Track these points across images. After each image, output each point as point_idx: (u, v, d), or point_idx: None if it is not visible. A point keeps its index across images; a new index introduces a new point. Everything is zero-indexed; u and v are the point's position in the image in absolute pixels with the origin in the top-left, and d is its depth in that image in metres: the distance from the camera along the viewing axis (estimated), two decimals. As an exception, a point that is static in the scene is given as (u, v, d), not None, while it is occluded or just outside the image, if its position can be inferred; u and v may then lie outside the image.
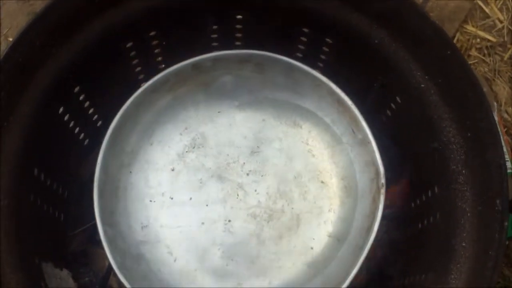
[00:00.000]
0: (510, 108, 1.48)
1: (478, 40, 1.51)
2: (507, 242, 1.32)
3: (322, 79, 0.97)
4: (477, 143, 0.90)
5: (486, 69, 1.49)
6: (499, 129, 1.29)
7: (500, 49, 1.51)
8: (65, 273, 1.07)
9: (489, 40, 1.51)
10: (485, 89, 1.41)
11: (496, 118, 1.34)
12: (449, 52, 0.91)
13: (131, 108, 0.97)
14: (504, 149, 1.32)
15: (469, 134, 0.91)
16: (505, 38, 1.52)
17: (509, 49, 1.51)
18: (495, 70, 1.50)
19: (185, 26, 1.04)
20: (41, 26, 0.91)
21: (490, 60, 1.50)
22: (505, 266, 1.37)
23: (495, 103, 1.40)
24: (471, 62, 1.50)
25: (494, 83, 1.49)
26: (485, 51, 1.51)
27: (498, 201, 0.85)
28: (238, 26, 1.07)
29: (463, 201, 0.90)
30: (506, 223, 0.84)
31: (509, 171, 1.31)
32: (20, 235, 0.91)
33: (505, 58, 1.50)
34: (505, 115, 1.47)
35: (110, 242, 0.93)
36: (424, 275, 0.95)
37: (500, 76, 1.49)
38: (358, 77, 1.05)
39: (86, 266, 1.14)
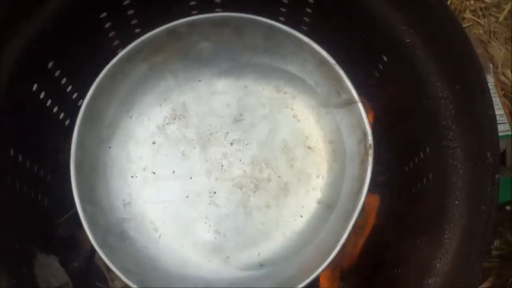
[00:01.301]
0: (508, 70, 1.44)
1: (472, 1, 1.47)
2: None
3: (304, 39, 0.93)
4: (466, 96, 0.86)
5: (481, 31, 1.46)
6: (494, 88, 1.26)
7: (495, 10, 1.47)
8: (51, 258, 1.04)
9: (483, 1, 1.47)
10: (479, 51, 1.37)
11: (492, 80, 1.31)
12: (432, 1, 0.87)
13: (106, 80, 0.94)
14: (502, 111, 1.29)
15: (457, 87, 0.87)
16: (499, -1, 1.48)
17: (504, 9, 1.47)
18: (490, 32, 1.46)
19: (162, -6, 1.01)
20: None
21: (484, 22, 1.47)
22: (509, 232, 1.34)
23: (490, 65, 1.36)
24: (465, 25, 1.46)
25: (489, 45, 1.45)
26: (480, 13, 1.47)
27: (489, 154, 0.82)
28: (217, -9, 1.04)
29: (454, 158, 0.87)
30: (497, 176, 0.81)
31: (507, 133, 1.28)
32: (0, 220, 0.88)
33: (500, 19, 1.47)
34: (502, 78, 1.43)
35: (90, 221, 0.90)
36: (419, 239, 0.92)
37: (496, 38, 1.46)
38: (344, 38, 1.02)
39: (74, 250, 1.11)
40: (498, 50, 1.44)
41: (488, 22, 1.46)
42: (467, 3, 1.47)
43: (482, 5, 1.47)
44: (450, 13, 0.87)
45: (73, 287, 1.06)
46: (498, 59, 1.43)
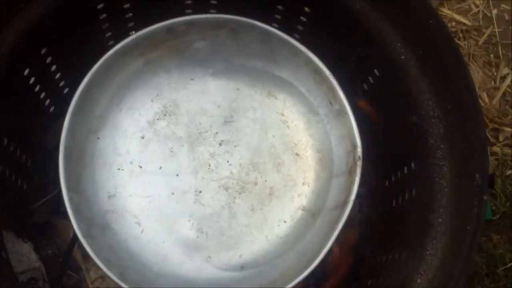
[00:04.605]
0: (484, 93, 1.47)
1: (454, 23, 1.50)
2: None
3: (299, 47, 0.94)
4: (457, 117, 0.88)
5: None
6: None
7: (475, 33, 1.50)
8: (27, 244, 1.04)
9: (464, 24, 1.50)
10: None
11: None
12: (431, 22, 0.89)
13: (100, 71, 0.93)
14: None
15: (449, 107, 0.89)
16: (480, 22, 1.51)
17: (484, 33, 1.50)
18: (469, 54, 1.49)
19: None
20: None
21: (464, 44, 1.49)
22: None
23: (468, 87, 1.38)
24: (446, 45, 1.49)
25: (468, 68, 1.48)
26: (460, 35, 1.50)
27: (477, 175, 0.84)
28: (214, -8, 1.04)
29: (440, 176, 0.88)
30: (485, 198, 0.82)
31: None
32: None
33: (480, 43, 1.50)
34: (479, 100, 1.46)
35: (75, 210, 0.90)
36: (398, 253, 0.93)
37: (475, 61, 1.49)
38: (336, 49, 1.03)
39: (49, 238, 1.11)
40: (476, 73, 1.47)
41: (468, 45, 1.49)
42: (449, 24, 1.49)
43: (463, 27, 1.50)
44: (447, 33, 0.89)
45: (47, 274, 1.06)
46: (476, 82, 1.46)
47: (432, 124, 0.90)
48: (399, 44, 0.93)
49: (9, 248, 1.01)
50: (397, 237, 0.96)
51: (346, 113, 0.93)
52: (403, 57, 0.93)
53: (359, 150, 0.91)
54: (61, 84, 1.08)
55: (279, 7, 1.04)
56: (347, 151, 0.94)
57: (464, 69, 0.87)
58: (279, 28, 1.01)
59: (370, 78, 1.02)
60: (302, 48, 0.95)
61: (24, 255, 1.05)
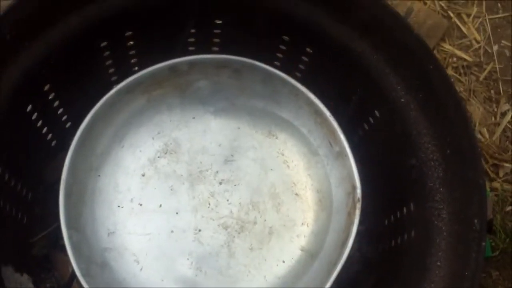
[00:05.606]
0: (484, 129, 1.47)
1: (455, 59, 1.51)
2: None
3: (300, 88, 0.95)
4: (456, 161, 0.88)
5: (461, 89, 1.49)
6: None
7: (476, 69, 1.51)
8: (25, 278, 1.04)
9: (465, 60, 1.51)
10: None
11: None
12: (431, 67, 0.89)
13: (103, 108, 0.94)
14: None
15: (448, 151, 0.89)
16: (481, 58, 1.51)
17: (484, 69, 1.50)
18: (470, 90, 1.49)
19: (163, 29, 1.02)
20: (13, 18, 0.87)
21: (465, 80, 1.50)
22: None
23: (468, 123, 1.39)
24: (446, 81, 1.49)
25: (468, 103, 1.48)
26: (461, 71, 1.50)
27: (476, 221, 0.84)
28: (217, 31, 1.04)
29: (439, 219, 0.89)
30: (483, 243, 0.83)
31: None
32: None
33: (481, 79, 1.50)
34: (479, 135, 1.46)
35: (74, 248, 0.90)
36: (396, 294, 0.93)
37: (475, 96, 1.49)
38: (337, 89, 1.04)
39: (48, 271, 1.11)
40: (476, 109, 1.48)
41: (468, 80, 1.50)
42: (450, 60, 1.50)
43: (464, 63, 1.50)
44: (446, 78, 0.90)
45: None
46: (476, 118, 1.47)
47: (431, 168, 0.91)
48: (399, 87, 0.94)
49: (8, 277, 1.01)
50: (395, 278, 0.96)
51: (346, 155, 0.93)
52: (403, 100, 0.93)
53: (359, 192, 0.91)
54: (63, 118, 1.09)
55: (282, 47, 1.05)
56: (347, 192, 0.95)
57: (463, 113, 0.87)
58: (281, 67, 1.02)
59: (371, 119, 1.02)
60: (303, 89, 0.95)
61: (23, 284, 1.05)
